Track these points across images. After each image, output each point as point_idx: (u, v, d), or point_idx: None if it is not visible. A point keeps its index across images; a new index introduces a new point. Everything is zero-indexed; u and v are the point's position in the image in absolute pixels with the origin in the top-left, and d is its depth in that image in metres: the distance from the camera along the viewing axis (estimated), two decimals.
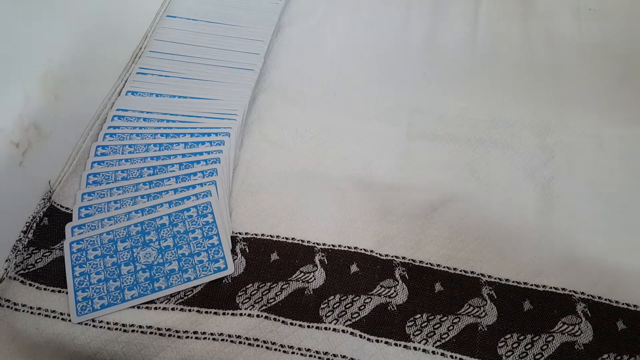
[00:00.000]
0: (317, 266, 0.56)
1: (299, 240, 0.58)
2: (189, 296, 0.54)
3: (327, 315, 0.53)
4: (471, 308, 0.53)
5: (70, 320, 0.51)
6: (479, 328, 0.52)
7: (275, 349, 0.50)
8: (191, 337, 0.51)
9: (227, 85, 0.72)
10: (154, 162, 0.63)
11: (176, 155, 0.64)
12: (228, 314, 0.53)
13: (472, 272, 0.56)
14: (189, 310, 0.53)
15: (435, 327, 0.52)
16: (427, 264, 0.56)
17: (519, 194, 0.61)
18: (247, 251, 0.57)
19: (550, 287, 0.54)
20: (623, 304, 0.53)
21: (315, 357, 0.50)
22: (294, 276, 0.55)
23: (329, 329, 0.52)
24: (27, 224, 0.57)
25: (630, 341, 0.51)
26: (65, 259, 0.55)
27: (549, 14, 0.81)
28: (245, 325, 0.52)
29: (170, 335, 0.51)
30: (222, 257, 0.56)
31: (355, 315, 0.53)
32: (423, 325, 0.52)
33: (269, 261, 0.56)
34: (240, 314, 0.52)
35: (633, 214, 0.60)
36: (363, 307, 0.53)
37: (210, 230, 0.57)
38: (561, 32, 0.78)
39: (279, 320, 0.52)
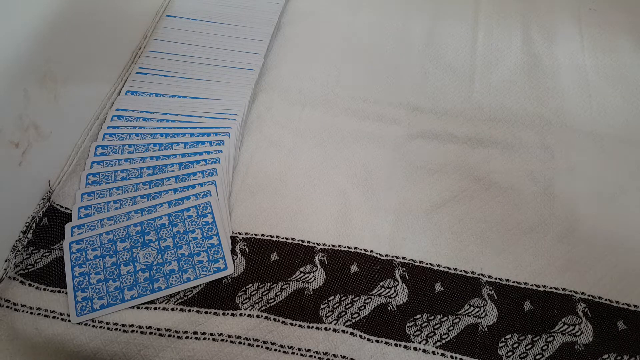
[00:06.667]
0: (317, 266, 0.56)
1: (299, 241, 0.58)
2: (189, 296, 0.54)
3: (327, 315, 0.53)
4: (471, 308, 0.53)
5: (69, 321, 0.51)
6: (479, 328, 0.52)
7: (275, 349, 0.50)
8: (191, 338, 0.51)
9: (227, 85, 0.72)
10: (153, 162, 0.63)
11: (176, 155, 0.64)
12: (228, 314, 0.52)
13: (472, 272, 0.56)
14: (189, 311, 0.53)
15: (435, 327, 0.52)
16: (427, 264, 0.56)
17: (519, 194, 0.61)
18: (247, 251, 0.57)
19: (551, 288, 0.54)
20: (623, 304, 0.53)
21: (315, 357, 0.50)
22: (294, 276, 0.55)
23: (329, 329, 0.52)
24: (27, 224, 0.57)
25: (631, 341, 0.51)
26: (64, 259, 0.55)
27: (549, 13, 0.81)
28: (245, 325, 0.52)
29: (170, 336, 0.51)
30: (222, 257, 0.55)
31: (355, 316, 0.52)
32: (423, 325, 0.52)
33: (268, 261, 0.56)
34: (240, 314, 0.52)
35: (633, 214, 0.59)
36: (363, 307, 0.53)
37: (210, 230, 0.57)
38: (561, 32, 0.78)
39: (278, 320, 0.52)
